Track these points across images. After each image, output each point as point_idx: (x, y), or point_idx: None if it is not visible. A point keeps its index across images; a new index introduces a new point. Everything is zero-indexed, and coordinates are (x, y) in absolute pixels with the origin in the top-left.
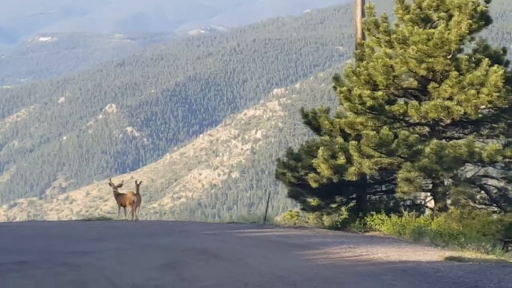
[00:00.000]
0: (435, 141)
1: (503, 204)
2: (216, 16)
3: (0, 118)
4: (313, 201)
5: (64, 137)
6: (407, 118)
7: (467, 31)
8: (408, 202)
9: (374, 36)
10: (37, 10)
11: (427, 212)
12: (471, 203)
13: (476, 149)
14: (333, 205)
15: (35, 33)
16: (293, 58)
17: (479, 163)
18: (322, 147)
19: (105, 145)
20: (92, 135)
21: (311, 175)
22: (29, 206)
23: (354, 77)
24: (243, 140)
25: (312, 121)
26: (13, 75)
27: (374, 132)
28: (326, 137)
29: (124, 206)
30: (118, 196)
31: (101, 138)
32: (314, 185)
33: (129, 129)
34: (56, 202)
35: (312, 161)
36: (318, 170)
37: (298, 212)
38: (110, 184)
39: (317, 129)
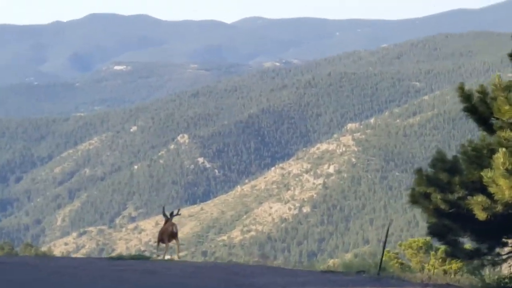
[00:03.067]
0: None
1: None
2: (291, 49)
3: (72, 145)
4: (468, 245)
5: (135, 166)
6: None
7: None
8: None
9: None
10: (113, 39)
11: None
12: None
13: None
14: (504, 251)
15: (110, 61)
16: (368, 93)
17: None
18: (502, 150)
19: (176, 176)
20: (163, 165)
21: (478, 198)
22: (98, 235)
23: None
24: (315, 175)
25: (478, 106)
26: (87, 102)
27: None
28: (508, 133)
29: (164, 242)
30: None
31: (172, 168)
32: (481, 215)
33: (200, 160)
34: (125, 231)
35: (481, 173)
36: (492, 190)
37: (397, 254)
38: (164, 214)
39: (485, 120)
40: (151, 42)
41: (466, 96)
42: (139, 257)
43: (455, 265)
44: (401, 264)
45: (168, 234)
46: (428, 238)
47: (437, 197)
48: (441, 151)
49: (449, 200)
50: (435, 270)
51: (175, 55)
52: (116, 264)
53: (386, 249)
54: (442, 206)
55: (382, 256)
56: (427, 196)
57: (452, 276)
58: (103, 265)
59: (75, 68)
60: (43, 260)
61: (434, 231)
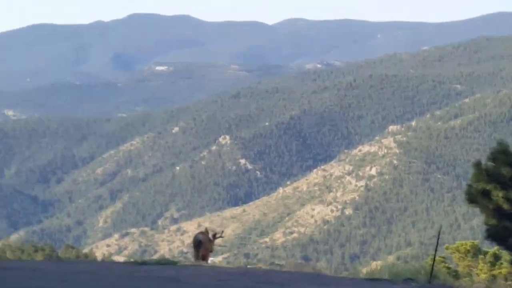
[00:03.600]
0: None
1: None
2: (332, 51)
3: (114, 146)
4: None
5: (177, 168)
6: None
7: None
8: None
9: None
10: (154, 39)
11: None
12: None
13: None
14: None
15: (152, 62)
16: (409, 95)
17: None
18: None
19: (217, 177)
20: (205, 166)
21: None
22: (140, 236)
23: None
24: (357, 177)
25: None
26: (129, 103)
27: None
28: None
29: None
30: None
31: (214, 170)
32: None
33: (242, 161)
34: (167, 233)
35: None
36: None
37: (444, 258)
38: (206, 232)
39: None
40: (192, 42)
41: None
42: (165, 262)
43: (505, 269)
44: (448, 268)
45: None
46: (476, 241)
47: (498, 195)
48: (503, 142)
49: None
50: (484, 275)
51: (216, 56)
52: (138, 270)
53: (431, 254)
54: (505, 206)
55: (433, 263)
56: (486, 193)
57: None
58: (123, 270)
59: (116, 68)
60: (58, 264)
61: (494, 234)
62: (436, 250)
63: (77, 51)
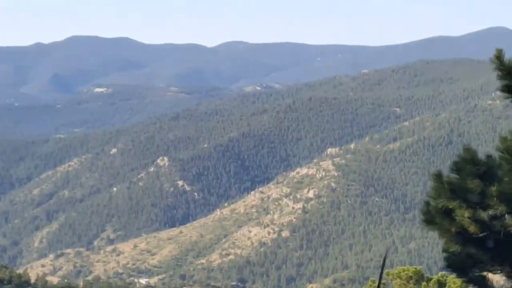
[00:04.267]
0: None
1: None
2: (272, 73)
3: (51, 167)
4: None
5: (115, 189)
6: None
7: None
8: None
9: None
10: (94, 62)
11: None
12: None
13: None
14: None
15: (91, 83)
16: (349, 118)
17: None
18: None
19: (155, 198)
20: (142, 187)
21: None
22: (75, 257)
23: None
24: (294, 199)
25: None
26: (67, 124)
27: None
28: None
29: None
30: None
31: (151, 191)
32: None
33: (180, 182)
34: (103, 253)
35: None
36: None
37: (383, 285)
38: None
39: None
40: (132, 65)
41: (507, 69)
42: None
43: None
44: None
45: None
46: (419, 267)
47: (463, 214)
48: (470, 148)
49: (481, 219)
50: None
51: (156, 78)
52: None
53: (372, 278)
54: (472, 228)
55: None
56: (448, 213)
57: None
58: None
59: (56, 90)
60: None
61: (456, 263)
62: (381, 277)
63: (17, 73)
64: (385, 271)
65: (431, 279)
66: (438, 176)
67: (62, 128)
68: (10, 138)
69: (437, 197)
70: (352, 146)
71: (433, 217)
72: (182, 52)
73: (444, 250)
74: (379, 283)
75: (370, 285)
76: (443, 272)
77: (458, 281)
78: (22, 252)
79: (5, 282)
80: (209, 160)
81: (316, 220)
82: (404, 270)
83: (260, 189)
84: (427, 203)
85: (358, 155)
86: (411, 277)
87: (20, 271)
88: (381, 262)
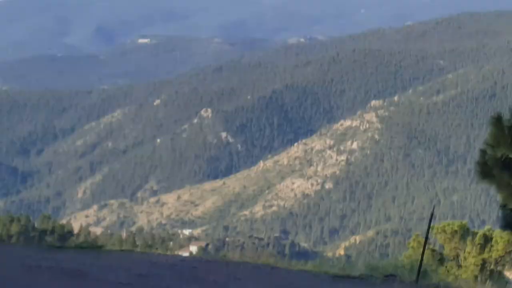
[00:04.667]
0: None
1: None
2: (316, 25)
3: (95, 118)
4: None
5: (158, 140)
6: None
7: None
8: None
9: None
10: (137, 12)
11: None
12: None
13: None
14: None
15: (135, 35)
16: (392, 70)
17: None
18: None
19: (198, 150)
20: (186, 139)
21: None
22: (119, 208)
23: None
24: (338, 151)
25: None
26: (111, 75)
27: None
28: None
29: None
30: None
31: (195, 143)
32: None
33: (223, 134)
34: (146, 205)
35: None
36: None
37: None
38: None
39: None
40: (176, 16)
41: None
42: (88, 246)
43: (496, 253)
44: (433, 251)
45: None
46: (464, 221)
47: None
48: None
49: None
50: (473, 259)
51: (200, 29)
52: (38, 258)
53: (416, 232)
54: None
55: (422, 258)
56: (508, 164)
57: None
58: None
59: (99, 41)
60: None
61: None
62: (426, 239)
63: (60, 24)
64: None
65: (476, 233)
66: (498, 121)
67: (105, 79)
68: (53, 89)
69: (496, 145)
70: (395, 98)
71: (491, 169)
72: (226, 3)
73: (501, 207)
74: (426, 241)
75: (414, 239)
76: (489, 227)
77: (505, 235)
78: (65, 203)
79: (47, 232)
80: (253, 112)
81: (360, 172)
82: (448, 225)
83: (304, 141)
84: (484, 152)
85: (402, 107)
86: (456, 232)
87: (63, 221)
88: (428, 220)
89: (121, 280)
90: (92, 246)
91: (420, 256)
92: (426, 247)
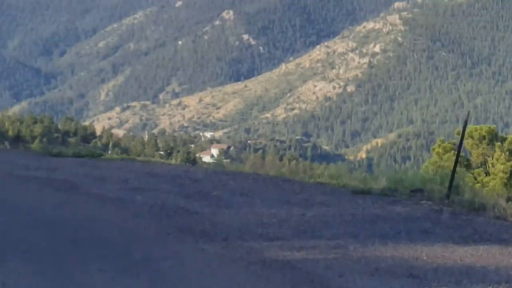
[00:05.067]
0: None
1: None
2: None
3: (117, 19)
4: None
5: (180, 42)
6: None
7: None
8: None
9: None
10: None
11: None
12: None
13: None
14: None
15: None
16: None
17: None
18: None
19: (220, 52)
20: (208, 40)
21: None
22: (141, 110)
23: None
24: (360, 54)
25: None
26: None
27: None
28: None
29: None
30: None
31: (216, 45)
32: None
33: (245, 36)
34: (168, 107)
35: None
36: None
37: (453, 145)
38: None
39: None
40: None
41: None
42: (86, 154)
43: None
44: (460, 157)
45: None
46: (493, 126)
47: None
48: None
49: None
50: (502, 166)
51: None
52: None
53: (440, 136)
54: None
55: (454, 170)
56: None
57: None
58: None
59: None
60: None
61: None
62: (459, 152)
63: None
64: (456, 130)
65: (505, 138)
66: None
67: None
68: None
69: None
70: None
71: None
72: None
73: None
74: (458, 153)
75: (438, 145)
76: None
77: None
78: (88, 105)
79: (70, 134)
80: (275, 13)
81: (382, 75)
82: (476, 130)
83: (326, 43)
84: None
85: (426, 9)
86: (484, 137)
87: (86, 123)
88: (462, 129)
89: (112, 195)
90: (92, 155)
91: (452, 169)
92: (452, 153)
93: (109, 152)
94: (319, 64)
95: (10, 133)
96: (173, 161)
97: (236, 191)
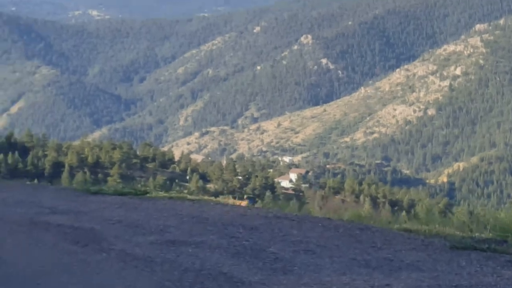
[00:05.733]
0: None
1: None
2: None
3: (195, 46)
4: None
5: (258, 67)
6: None
7: None
8: None
9: None
10: None
11: None
12: None
13: None
14: None
15: None
16: None
17: None
18: None
19: (298, 77)
20: (286, 65)
21: None
22: (220, 135)
23: None
24: (441, 76)
25: None
26: (211, 2)
27: None
28: None
29: None
30: None
31: (295, 69)
32: None
33: (324, 61)
34: (247, 132)
35: None
36: None
37: None
38: None
39: None
40: None
41: None
42: (133, 192)
43: None
44: None
45: None
46: None
47: None
48: None
49: None
50: None
51: None
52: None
53: None
54: None
55: None
56: None
57: None
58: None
59: None
60: None
61: None
62: None
63: None
64: None
65: None
66: None
67: (205, 7)
68: (154, 17)
69: None
70: (501, 21)
71: None
72: None
73: None
74: None
75: None
76: None
77: None
78: (167, 130)
79: (149, 160)
80: (353, 38)
81: (463, 98)
82: None
83: (406, 66)
84: None
85: (508, 30)
86: None
87: (165, 149)
88: None
89: (140, 251)
90: (135, 192)
91: None
92: None
93: (188, 177)
94: (398, 88)
95: (90, 159)
96: (230, 201)
97: (299, 245)
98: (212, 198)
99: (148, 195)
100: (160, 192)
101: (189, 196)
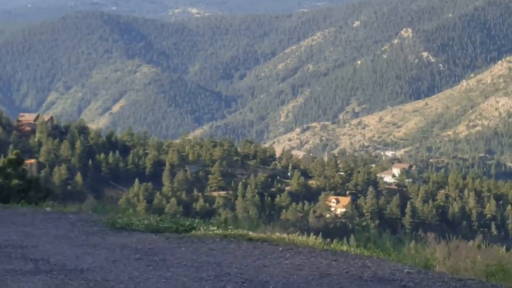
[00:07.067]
0: None
1: None
2: None
3: (295, 42)
4: None
5: (359, 62)
6: None
7: None
8: None
9: None
10: None
11: None
12: None
13: None
14: None
15: None
16: None
17: None
18: None
19: (399, 70)
20: (386, 60)
21: None
22: (321, 131)
23: None
24: None
25: None
26: None
27: None
28: None
29: None
30: None
31: (395, 63)
32: None
33: (424, 54)
34: (348, 127)
35: None
36: None
37: None
38: None
39: None
40: None
41: None
42: (174, 228)
43: None
44: None
45: None
46: None
47: None
48: None
49: None
50: None
51: None
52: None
53: None
54: None
55: None
56: None
57: None
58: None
59: None
60: None
61: None
62: None
63: None
64: None
65: None
66: None
67: (305, 2)
68: (254, 13)
69: None
70: None
71: None
72: None
73: None
74: None
75: None
76: None
77: None
78: (268, 127)
79: (250, 157)
80: (454, 31)
81: None
82: None
83: (508, 58)
84: None
85: None
86: None
87: (266, 145)
88: None
89: None
90: (176, 229)
91: None
92: None
93: (289, 173)
94: (501, 80)
95: (190, 157)
96: (307, 239)
97: None
98: (284, 236)
99: (193, 232)
100: (212, 228)
101: (250, 234)
